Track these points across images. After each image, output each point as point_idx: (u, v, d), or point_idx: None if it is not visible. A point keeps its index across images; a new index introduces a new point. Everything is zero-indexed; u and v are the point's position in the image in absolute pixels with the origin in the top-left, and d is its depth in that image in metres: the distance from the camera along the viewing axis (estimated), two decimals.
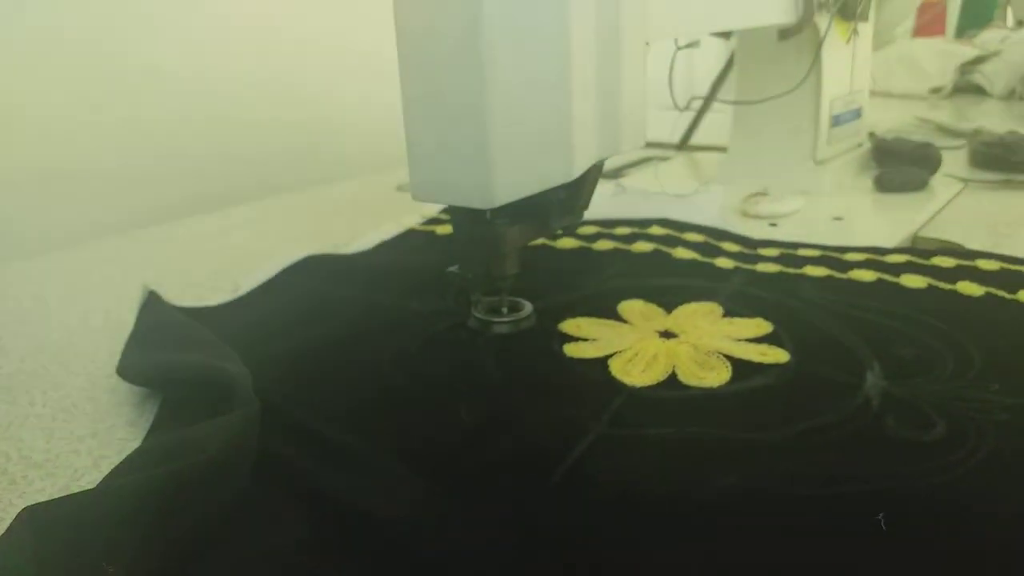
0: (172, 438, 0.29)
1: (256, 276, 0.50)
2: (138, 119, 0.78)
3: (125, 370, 0.38)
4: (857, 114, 0.71)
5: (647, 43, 0.43)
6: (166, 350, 0.38)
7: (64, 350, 0.43)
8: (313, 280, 0.49)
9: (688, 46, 0.57)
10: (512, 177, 0.36)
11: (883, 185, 0.65)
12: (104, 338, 0.44)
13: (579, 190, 0.41)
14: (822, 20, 0.61)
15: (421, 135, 0.37)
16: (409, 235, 0.59)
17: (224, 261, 0.57)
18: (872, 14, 0.68)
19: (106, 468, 0.32)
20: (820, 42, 0.61)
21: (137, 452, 0.30)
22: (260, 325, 0.44)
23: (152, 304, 0.43)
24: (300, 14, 0.92)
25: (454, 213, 0.41)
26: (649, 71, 0.43)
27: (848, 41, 0.66)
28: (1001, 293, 0.43)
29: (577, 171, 0.39)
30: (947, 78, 1.25)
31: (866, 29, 0.68)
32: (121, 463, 0.29)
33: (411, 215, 0.63)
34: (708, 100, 0.80)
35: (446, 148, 0.36)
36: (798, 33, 0.58)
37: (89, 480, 0.32)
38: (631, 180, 0.70)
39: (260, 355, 0.38)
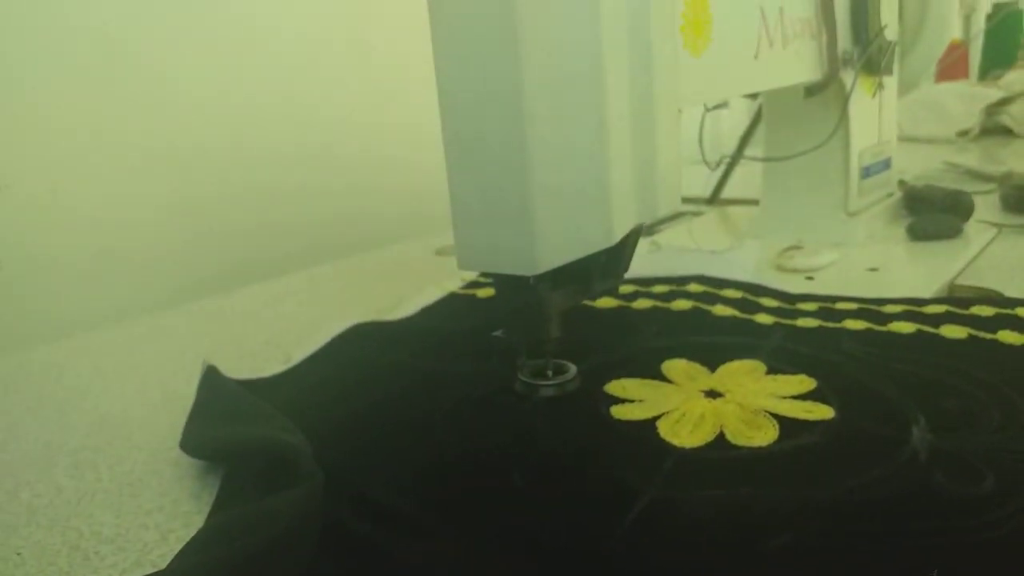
0: (241, 513, 0.30)
1: (307, 346, 0.52)
2: (182, 194, 0.81)
3: (188, 444, 0.40)
4: (887, 164, 0.72)
5: (679, 110, 0.44)
6: (227, 423, 0.40)
7: (125, 424, 0.45)
8: (362, 348, 0.51)
9: (717, 107, 0.59)
10: (554, 244, 0.38)
11: (916, 234, 0.66)
12: (163, 412, 0.46)
13: (619, 253, 0.43)
14: (847, 76, 0.62)
15: (465, 206, 0.39)
16: (451, 299, 0.60)
17: (275, 331, 0.58)
18: (896, 66, 0.70)
19: (174, 541, 0.33)
20: (847, 98, 0.63)
21: (206, 528, 0.31)
22: (313, 394, 0.45)
23: (211, 378, 0.45)
24: (338, 86, 0.95)
25: (498, 279, 0.43)
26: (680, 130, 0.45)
27: (874, 95, 0.67)
28: None
29: (617, 236, 0.41)
30: (973, 120, 1.25)
31: (891, 82, 0.69)
32: (192, 540, 0.30)
33: (452, 279, 0.64)
34: (736, 156, 0.82)
35: (489, 218, 0.38)
36: (824, 90, 0.60)
37: (159, 554, 0.33)
38: (666, 237, 0.71)
39: (315, 424, 0.40)
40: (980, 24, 1.74)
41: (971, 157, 1.12)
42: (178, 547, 0.32)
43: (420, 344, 0.51)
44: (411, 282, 0.68)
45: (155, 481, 0.39)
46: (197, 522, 0.34)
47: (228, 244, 0.84)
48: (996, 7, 1.77)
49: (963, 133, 1.25)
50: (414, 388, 0.45)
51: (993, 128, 1.27)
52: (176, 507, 0.36)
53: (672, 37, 0.43)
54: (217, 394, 0.43)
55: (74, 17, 0.71)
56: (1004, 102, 1.27)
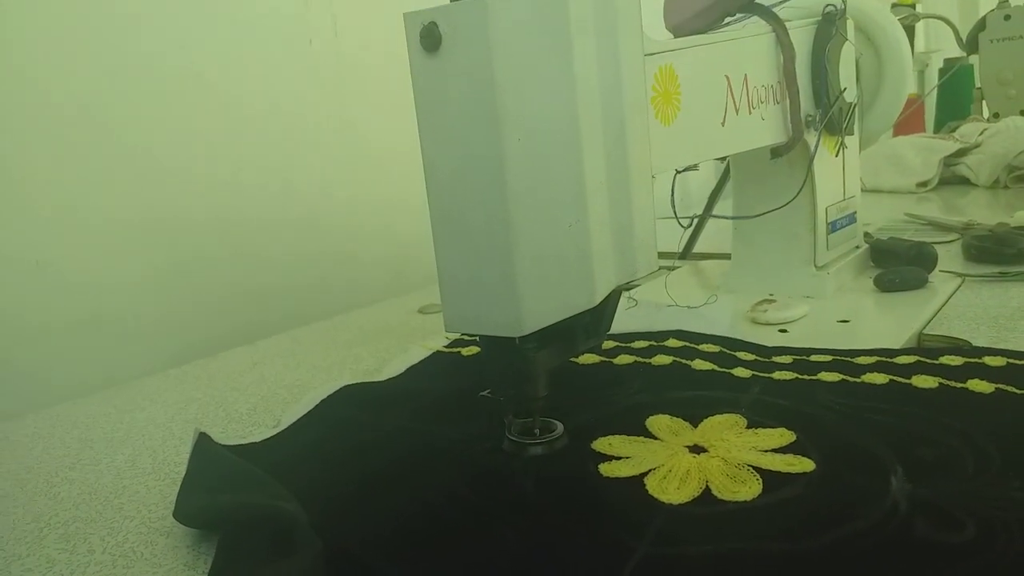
0: None
1: (295, 409, 0.52)
2: (167, 261, 0.82)
3: (181, 513, 0.40)
4: (852, 219, 0.75)
5: (653, 176, 0.46)
6: (221, 491, 0.40)
7: (116, 494, 0.45)
8: (350, 410, 0.52)
9: (687, 170, 0.61)
10: (538, 307, 0.40)
11: (884, 286, 0.68)
12: (154, 480, 0.46)
13: (601, 314, 0.44)
14: (811, 137, 0.65)
15: (452, 272, 0.40)
16: (436, 358, 0.61)
17: (262, 394, 0.59)
18: (856, 125, 0.73)
19: None
20: (811, 158, 0.65)
21: None
22: (304, 459, 0.45)
23: (203, 445, 0.45)
24: (321, 155, 0.97)
25: (485, 340, 0.44)
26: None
27: (837, 154, 0.70)
28: (1011, 388, 0.45)
29: (598, 297, 0.43)
30: (933, 172, 1.30)
31: (853, 140, 0.73)
32: None
33: (436, 337, 0.66)
34: (706, 214, 0.84)
35: (476, 283, 0.40)
36: (789, 151, 0.62)
37: None
38: (643, 292, 0.73)
39: (307, 489, 0.40)
40: (934, 79, 1.82)
41: (932, 207, 1.16)
42: None
43: (408, 405, 0.52)
44: (396, 342, 0.69)
45: (148, 552, 0.39)
46: None
47: (213, 309, 0.85)
48: (948, 62, 1.84)
49: (923, 184, 1.29)
50: (404, 451, 0.45)
51: (951, 178, 1.32)
52: None
53: (643, 110, 0.45)
54: (210, 461, 0.43)
55: (60, 91, 0.73)
56: (961, 153, 1.32)
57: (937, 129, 1.68)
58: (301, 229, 0.94)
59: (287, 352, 0.70)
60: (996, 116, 1.53)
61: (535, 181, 0.39)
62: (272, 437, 0.49)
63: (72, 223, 0.74)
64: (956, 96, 1.74)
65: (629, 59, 0.43)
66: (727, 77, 0.56)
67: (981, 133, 1.35)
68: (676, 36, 0.61)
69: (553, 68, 0.39)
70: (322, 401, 0.53)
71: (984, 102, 1.61)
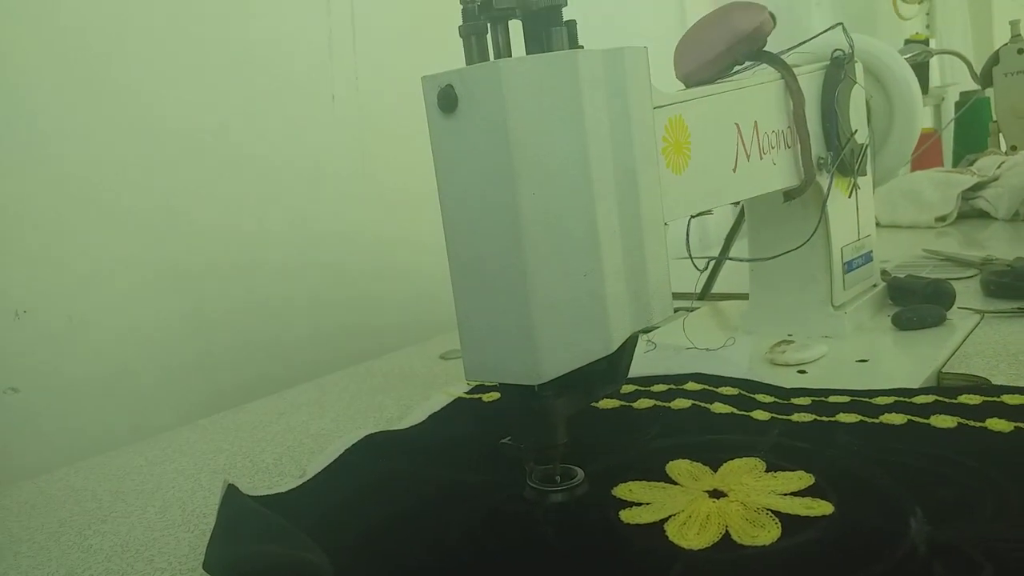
0: None
1: (321, 459, 0.53)
2: (193, 312, 0.84)
3: (211, 565, 0.41)
4: (868, 258, 0.76)
5: (665, 223, 0.47)
6: (249, 543, 0.41)
7: (147, 546, 0.46)
8: (374, 459, 0.52)
9: (701, 214, 0.62)
10: (556, 355, 0.41)
11: (902, 324, 0.68)
12: (184, 531, 0.47)
13: (618, 360, 0.45)
14: (823, 179, 0.66)
15: (471, 322, 0.42)
16: (458, 404, 0.62)
17: (288, 444, 0.60)
18: (869, 165, 0.74)
19: None
20: (824, 199, 0.66)
21: None
22: (329, 509, 0.46)
23: (232, 497, 0.46)
24: (344, 204, 1.00)
25: (505, 388, 0.45)
26: (669, 233, 0.48)
27: (850, 195, 0.71)
28: None
29: (615, 344, 0.43)
30: (951, 206, 1.30)
31: (866, 181, 0.73)
32: None
33: (458, 383, 0.66)
34: (723, 256, 0.85)
35: (494, 332, 0.41)
36: (800, 195, 0.63)
37: None
38: (661, 334, 0.74)
39: (332, 540, 0.41)
40: (950, 112, 1.82)
41: (951, 242, 1.16)
42: None
43: (430, 453, 0.53)
44: (418, 389, 0.71)
45: None
46: None
47: (239, 358, 0.87)
48: (964, 95, 1.85)
49: (941, 219, 1.29)
50: (427, 500, 0.46)
51: (970, 212, 1.32)
52: None
53: (654, 161, 0.46)
54: (238, 513, 0.44)
55: (88, 153, 0.76)
56: (979, 187, 1.32)
57: (955, 163, 1.69)
58: (324, 277, 0.96)
59: (312, 401, 0.71)
60: (1014, 149, 1.53)
61: (550, 232, 0.40)
62: (297, 487, 0.50)
63: (102, 278, 0.76)
64: (973, 129, 1.74)
65: (638, 113, 0.44)
66: (737, 125, 0.57)
67: (999, 166, 1.35)
68: (687, 85, 0.63)
69: (565, 125, 0.40)
70: (346, 450, 0.54)
71: (1001, 135, 1.61)
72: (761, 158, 0.59)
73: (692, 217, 0.63)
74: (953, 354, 0.62)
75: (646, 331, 0.67)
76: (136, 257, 0.79)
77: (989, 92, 1.65)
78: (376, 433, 0.57)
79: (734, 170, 0.56)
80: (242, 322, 0.87)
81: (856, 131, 0.68)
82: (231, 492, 0.46)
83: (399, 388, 0.72)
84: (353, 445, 0.55)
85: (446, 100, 0.39)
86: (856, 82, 0.70)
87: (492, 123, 0.38)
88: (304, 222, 0.95)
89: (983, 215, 1.30)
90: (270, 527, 0.42)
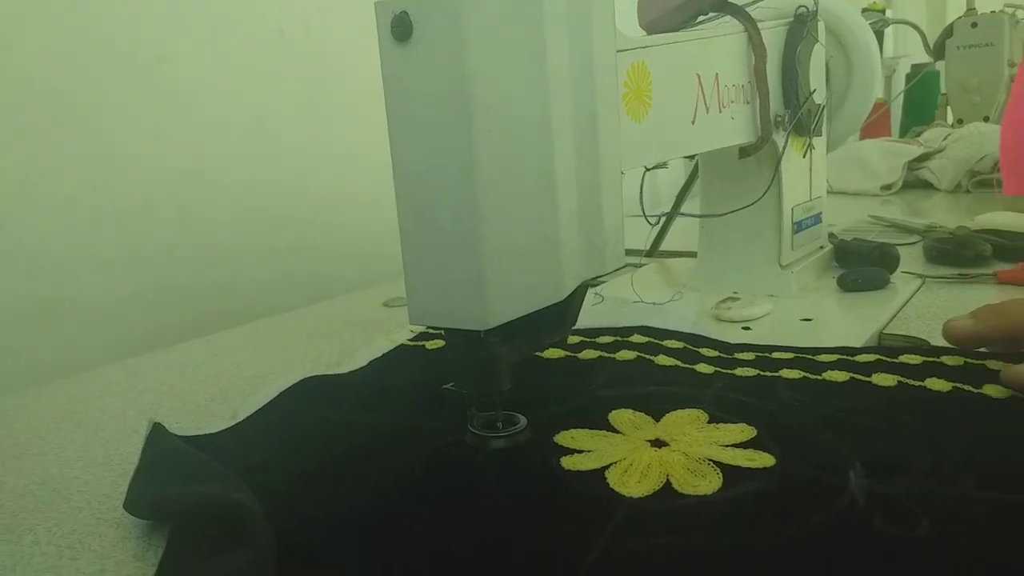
0: (195, 573, 0.30)
1: (254, 401, 0.51)
2: (124, 250, 0.80)
3: (132, 504, 0.39)
4: (818, 219, 0.76)
5: (622, 172, 0.46)
6: (173, 482, 0.39)
7: (64, 485, 0.44)
8: (310, 402, 0.51)
9: (656, 167, 0.61)
10: (505, 300, 0.39)
11: (847, 285, 0.69)
12: (106, 471, 0.45)
13: (567, 308, 0.44)
14: (779, 137, 0.66)
15: (418, 263, 0.40)
16: (400, 351, 0.61)
17: (219, 386, 0.58)
18: (824, 127, 0.74)
19: None
20: (779, 158, 0.66)
21: None
22: (261, 450, 0.45)
23: (157, 436, 0.44)
24: (285, 144, 0.96)
25: (449, 333, 0.43)
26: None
27: (804, 155, 0.71)
28: (967, 387, 0.46)
29: (566, 291, 0.42)
30: (897, 175, 1.32)
31: (820, 142, 0.73)
32: None
33: (400, 331, 0.65)
34: (674, 212, 0.84)
35: (442, 276, 0.39)
36: (758, 151, 0.63)
37: None
38: (608, 288, 0.73)
39: (263, 481, 0.39)
40: (900, 84, 1.85)
41: (895, 209, 1.18)
42: None
43: (370, 398, 0.51)
44: (359, 335, 0.69)
45: (96, 543, 0.38)
46: None
47: (170, 299, 0.83)
48: (915, 67, 1.87)
49: (887, 187, 1.31)
50: (364, 443, 0.45)
51: (914, 182, 1.34)
52: (119, 569, 0.35)
53: (615, 106, 0.45)
54: (163, 452, 0.42)
55: (20, 75, 0.71)
56: (924, 157, 1.35)
57: (902, 134, 1.71)
58: (265, 222, 0.93)
59: (246, 344, 0.68)
60: (960, 122, 1.56)
61: (505, 173, 0.38)
62: (229, 428, 0.48)
63: (28, 207, 0.72)
64: (922, 102, 1.77)
65: (602, 53, 0.43)
66: (698, 76, 0.56)
67: (945, 138, 1.38)
68: (649, 33, 0.61)
69: (525, 59, 0.38)
70: (282, 393, 0.52)
71: (949, 108, 1.63)
72: (720, 111, 0.58)
73: (647, 170, 0.62)
74: (895, 316, 0.62)
75: (594, 284, 0.66)
76: (67, 189, 0.75)
77: (939, 65, 1.67)
78: (313, 377, 0.55)
79: (693, 122, 0.55)
80: (176, 264, 0.84)
81: (815, 90, 0.68)
82: (157, 430, 0.44)
83: (339, 334, 0.70)
84: (289, 388, 0.53)
85: (400, 27, 0.37)
86: (818, 41, 0.69)
87: (448, 54, 0.36)
88: (245, 163, 0.91)
89: (927, 185, 1.33)
90: (198, 467, 0.40)
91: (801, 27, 0.66)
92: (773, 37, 0.65)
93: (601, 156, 0.43)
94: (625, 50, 0.47)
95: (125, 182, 0.80)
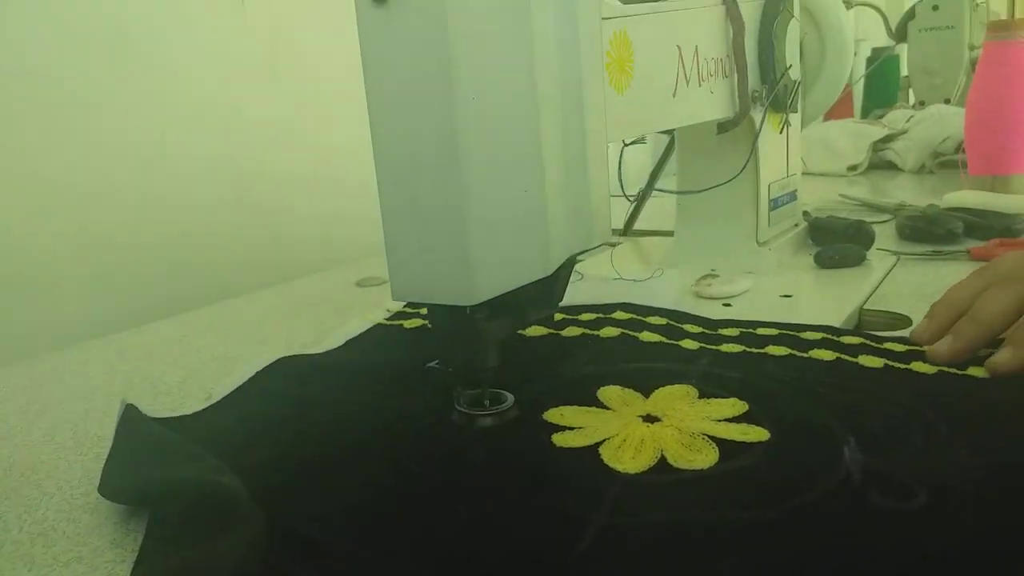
0: (176, 562, 0.28)
1: (229, 381, 0.49)
2: (88, 228, 0.77)
3: (107, 488, 0.37)
4: (793, 196, 0.76)
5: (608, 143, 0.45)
6: (150, 465, 0.38)
7: (34, 470, 0.42)
8: (288, 382, 0.49)
9: (635, 142, 0.60)
10: (491, 274, 0.38)
11: (824, 262, 0.69)
12: (76, 455, 0.43)
13: (554, 284, 0.43)
14: (756, 113, 0.65)
15: (401, 238, 0.38)
16: (377, 330, 0.59)
17: (191, 367, 0.56)
18: (800, 103, 0.74)
19: None
20: (756, 134, 0.66)
21: None
22: (239, 432, 0.43)
23: (130, 417, 0.42)
24: (252, 120, 0.93)
25: (432, 309, 0.42)
26: None
27: (781, 131, 0.71)
28: (952, 370, 0.46)
29: (552, 266, 0.41)
30: (863, 156, 1.33)
31: (796, 119, 0.73)
32: None
33: (377, 310, 0.63)
34: (648, 189, 0.84)
35: (426, 250, 0.38)
36: (735, 127, 0.62)
37: None
38: (588, 266, 0.72)
39: (243, 463, 0.38)
40: (861, 67, 1.87)
41: (862, 190, 1.19)
42: None
43: (349, 377, 0.50)
44: (333, 314, 0.67)
45: (71, 529, 0.36)
46: (121, 572, 0.32)
47: (136, 279, 0.81)
48: (876, 51, 1.89)
49: (853, 168, 1.33)
50: (346, 422, 0.43)
51: (879, 163, 1.36)
52: (97, 557, 0.34)
53: (600, 73, 0.44)
54: (138, 434, 0.41)
55: None
56: (888, 139, 1.36)
57: (864, 116, 1.73)
58: (230, 200, 0.90)
59: (217, 325, 0.66)
60: (922, 104, 1.58)
61: (489, 142, 0.37)
62: (205, 409, 0.46)
63: None
64: (883, 84, 1.79)
65: (587, 21, 0.42)
66: (679, 47, 0.55)
67: (908, 120, 1.39)
68: (625, 2, 0.60)
69: (510, 23, 0.37)
70: (257, 373, 0.50)
71: (911, 90, 1.66)
72: (700, 85, 0.58)
73: (625, 145, 0.61)
74: (873, 292, 0.63)
75: (579, 259, 0.65)
76: (26, 167, 0.72)
77: (900, 49, 1.69)
78: (289, 356, 0.53)
79: (674, 95, 0.55)
80: (138, 242, 0.81)
81: (791, 66, 0.68)
82: (130, 412, 0.42)
83: (312, 314, 0.68)
84: (264, 368, 0.51)
85: None
86: (793, 16, 0.69)
87: (430, 15, 0.34)
88: (209, 137, 0.88)
89: (891, 166, 1.34)
90: (175, 449, 0.38)
91: (777, 1, 0.66)
92: (749, 11, 0.64)
93: (587, 125, 0.42)
94: (609, 18, 0.46)
95: (84, 158, 0.77)
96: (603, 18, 0.44)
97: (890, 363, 0.47)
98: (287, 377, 0.50)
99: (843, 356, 0.48)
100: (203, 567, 0.27)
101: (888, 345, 0.50)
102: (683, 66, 0.56)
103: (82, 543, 0.35)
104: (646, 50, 0.50)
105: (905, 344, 0.50)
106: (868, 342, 0.50)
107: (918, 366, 0.46)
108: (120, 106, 0.80)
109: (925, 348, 0.47)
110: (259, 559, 0.29)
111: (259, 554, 0.29)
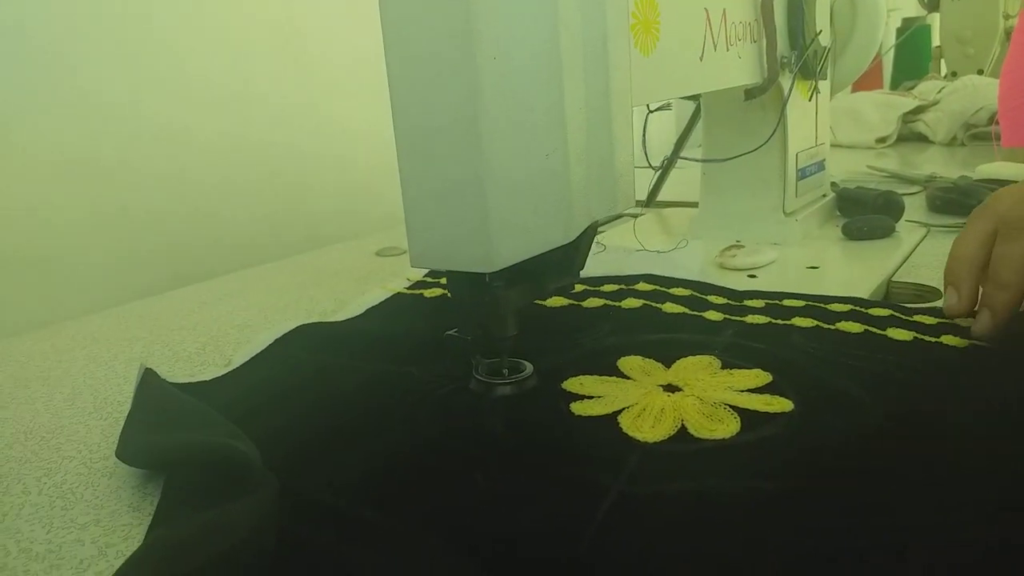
0: (190, 525, 0.28)
1: (248, 348, 0.49)
2: (110, 199, 0.77)
3: (125, 452, 0.37)
4: (821, 166, 0.74)
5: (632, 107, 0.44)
6: (167, 430, 0.37)
7: (54, 434, 0.42)
8: (307, 350, 0.49)
9: (660, 108, 0.59)
10: (512, 241, 0.37)
11: (852, 233, 0.67)
12: (95, 419, 0.43)
13: (575, 251, 0.42)
14: (785, 80, 0.64)
15: (419, 203, 0.38)
16: (397, 299, 0.59)
17: (211, 334, 0.56)
18: (830, 70, 0.72)
19: (113, 556, 0.31)
20: (785, 101, 0.64)
21: (151, 542, 0.29)
22: (258, 398, 0.43)
23: (149, 382, 0.42)
24: (274, 94, 0.93)
25: (452, 277, 0.42)
26: None
27: (810, 99, 0.69)
28: (982, 344, 0.44)
29: (575, 232, 0.40)
30: (891, 128, 1.30)
31: (825, 86, 0.71)
32: (134, 554, 0.28)
33: (397, 279, 0.63)
34: (673, 158, 0.82)
35: (446, 216, 0.37)
36: (763, 93, 0.61)
37: (97, 571, 0.30)
38: (609, 237, 0.71)
39: (260, 429, 0.38)
40: (891, 37, 1.82)
41: (890, 162, 1.16)
42: (118, 562, 0.30)
43: (369, 346, 0.49)
44: (353, 283, 0.67)
45: (89, 493, 0.36)
46: (138, 535, 0.32)
47: (159, 248, 0.81)
48: (906, 21, 1.85)
49: (881, 140, 1.30)
50: (365, 389, 0.43)
51: (909, 135, 1.33)
52: (114, 520, 0.34)
53: (626, 33, 0.42)
54: (156, 399, 0.40)
55: (13, 24, 0.67)
56: (919, 110, 1.33)
57: (893, 87, 1.69)
58: (252, 176, 0.90)
59: (237, 293, 0.66)
60: (954, 75, 1.54)
61: (510, 105, 0.36)
62: (224, 375, 0.46)
63: (16, 158, 0.69)
64: (913, 55, 1.75)
65: None
66: (707, 10, 0.53)
67: (939, 91, 1.36)
68: None
69: None
70: (276, 340, 0.50)
71: (942, 60, 1.61)
72: (728, 49, 0.56)
73: (650, 111, 0.60)
74: (902, 264, 0.61)
75: (602, 227, 0.64)
76: (56, 141, 0.72)
77: (931, 19, 1.64)
78: (309, 324, 0.53)
79: (701, 59, 0.53)
80: (165, 217, 0.81)
81: (821, 31, 0.66)
82: (149, 377, 0.42)
83: (332, 283, 0.68)
84: (284, 335, 0.51)
85: None
86: None
87: None
88: (232, 108, 0.88)
89: (922, 138, 1.31)
90: (193, 414, 0.38)
91: None
92: None
93: (612, 87, 0.40)
94: None
95: (106, 130, 0.77)
96: None
97: (919, 336, 0.46)
98: (306, 345, 0.50)
99: (871, 328, 0.47)
100: (218, 530, 0.27)
101: (918, 317, 0.48)
102: (711, 29, 0.54)
103: (100, 506, 0.35)
104: (673, 12, 0.49)
105: (936, 317, 0.48)
106: (897, 314, 0.49)
107: (948, 339, 0.45)
108: (149, 90, 0.80)
109: (971, 328, 0.46)
110: (273, 523, 0.29)
111: (273, 519, 0.29)
